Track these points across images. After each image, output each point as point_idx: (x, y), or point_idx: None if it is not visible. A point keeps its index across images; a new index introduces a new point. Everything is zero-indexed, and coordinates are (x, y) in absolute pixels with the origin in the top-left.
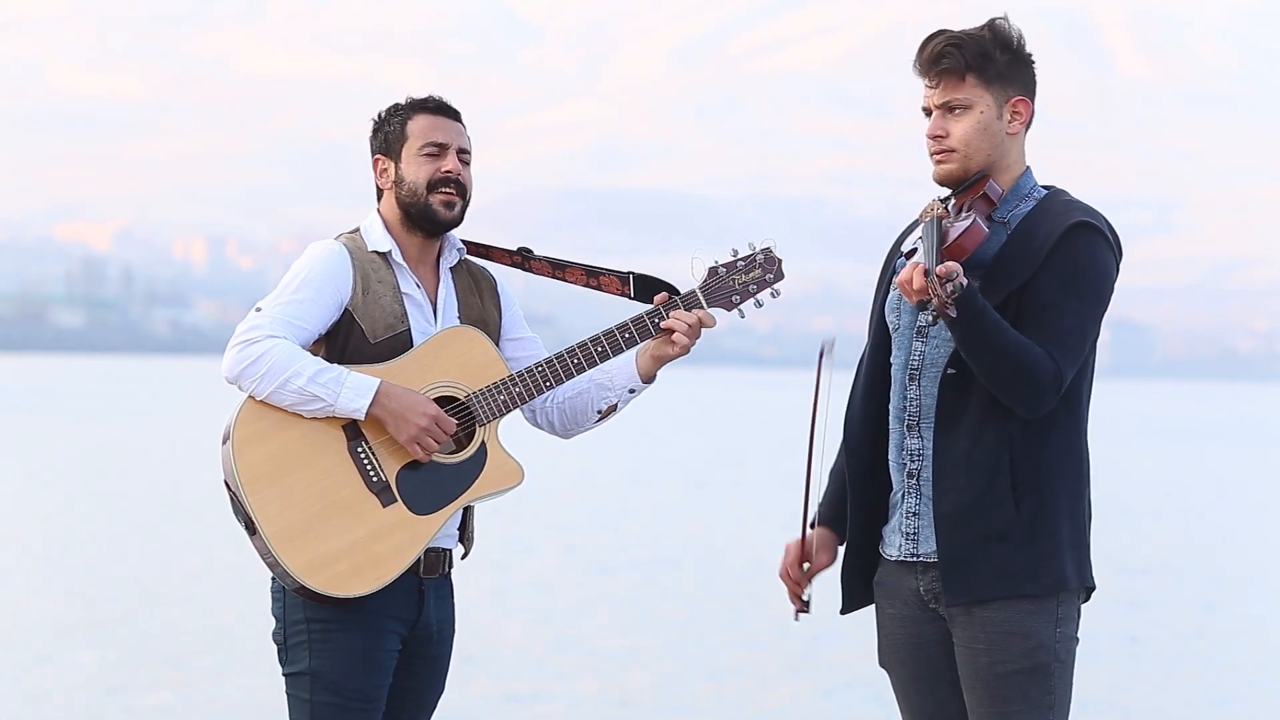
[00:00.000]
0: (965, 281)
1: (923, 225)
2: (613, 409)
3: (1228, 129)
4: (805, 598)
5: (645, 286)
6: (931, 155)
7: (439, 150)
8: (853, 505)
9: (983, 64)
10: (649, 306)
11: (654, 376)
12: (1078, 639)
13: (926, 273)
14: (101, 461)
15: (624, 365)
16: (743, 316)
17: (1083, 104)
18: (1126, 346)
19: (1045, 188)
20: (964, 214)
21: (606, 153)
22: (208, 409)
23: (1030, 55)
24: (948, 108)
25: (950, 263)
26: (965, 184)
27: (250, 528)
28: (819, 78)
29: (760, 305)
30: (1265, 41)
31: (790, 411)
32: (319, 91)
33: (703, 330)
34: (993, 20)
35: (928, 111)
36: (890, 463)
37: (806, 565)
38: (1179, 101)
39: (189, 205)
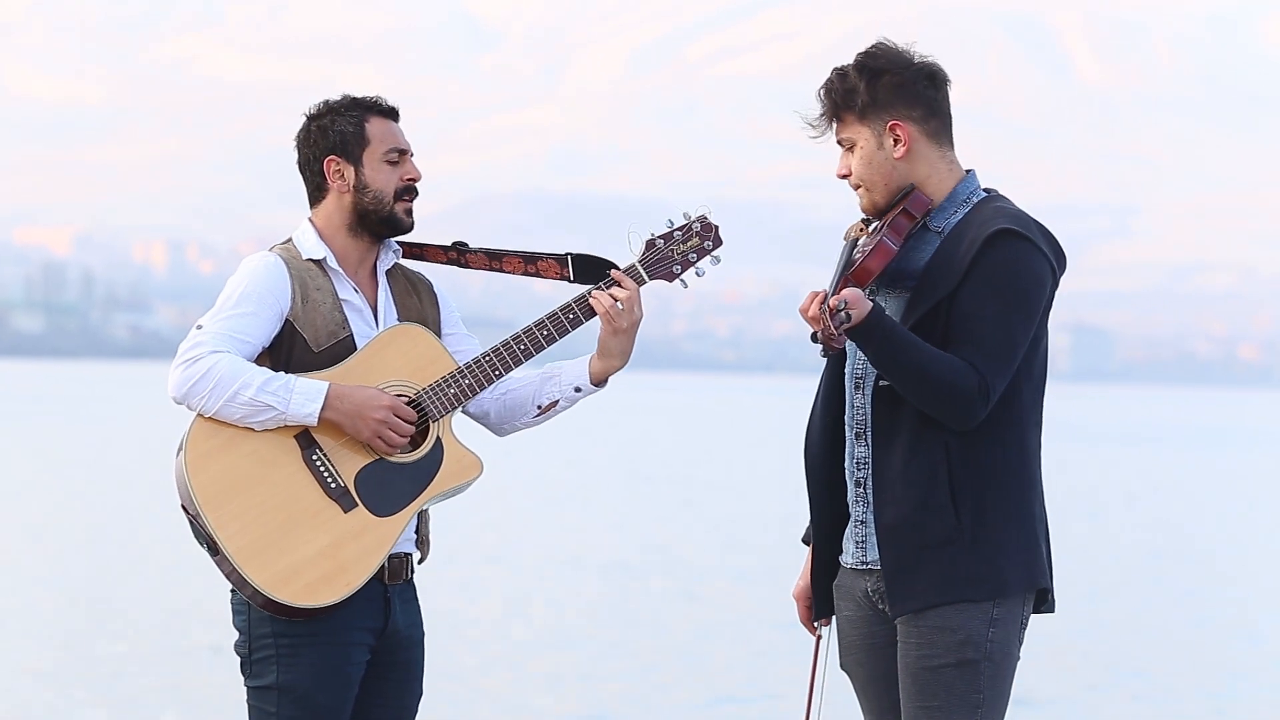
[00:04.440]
0: (852, 314)
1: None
2: (553, 405)
3: (1186, 134)
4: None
5: (585, 267)
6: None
7: (400, 157)
8: (816, 515)
9: (850, 100)
10: (592, 286)
11: (605, 381)
12: (1019, 643)
13: (823, 301)
14: (61, 467)
15: (575, 364)
16: (685, 286)
17: (1041, 109)
18: (1086, 351)
19: (986, 191)
20: (876, 232)
21: (565, 157)
22: (167, 414)
23: (919, 69)
24: (842, 147)
25: (844, 292)
26: (895, 200)
27: (212, 548)
28: (777, 82)
29: (701, 274)
30: (1223, 47)
31: (749, 415)
32: (278, 96)
33: (635, 311)
34: (868, 48)
35: None
36: (845, 471)
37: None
38: (1137, 107)
39: (149, 209)
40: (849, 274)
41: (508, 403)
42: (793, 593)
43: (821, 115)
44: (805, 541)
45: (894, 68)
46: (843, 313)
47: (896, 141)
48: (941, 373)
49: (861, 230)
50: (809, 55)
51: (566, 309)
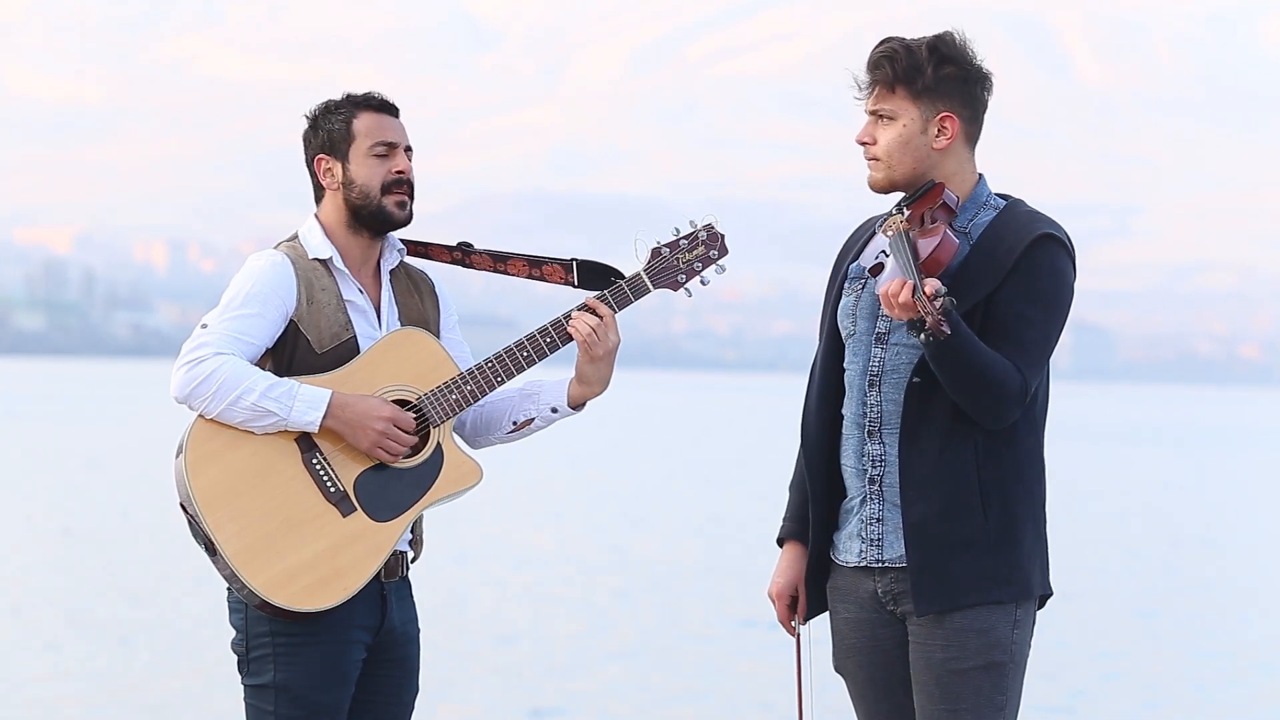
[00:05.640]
0: (953, 300)
1: (890, 241)
2: (529, 423)
3: (1186, 134)
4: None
5: (589, 273)
6: (865, 159)
7: (389, 150)
8: (814, 513)
9: (912, 77)
10: (596, 293)
11: (583, 405)
12: (1030, 645)
13: (914, 290)
14: (61, 466)
15: (555, 385)
16: (689, 295)
17: (1042, 109)
18: (1088, 350)
19: (1001, 196)
20: (928, 224)
21: (565, 157)
22: (168, 413)
23: (979, 70)
24: (877, 115)
25: (934, 280)
26: (918, 193)
27: (210, 549)
28: (777, 82)
29: (706, 283)
30: (1223, 47)
31: (749, 415)
32: (278, 96)
33: (611, 338)
34: (941, 34)
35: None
36: (846, 468)
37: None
38: (1137, 106)
39: (150, 209)
40: (922, 265)
41: (484, 414)
42: (771, 592)
43: (874, 81)
44: (780, 542)
45: (960, 61)
46: (946, 299)
47: (940, 133)
48: (996, 372)
49: (905, 224)
50: (809, 55)
51: (569, 316)
